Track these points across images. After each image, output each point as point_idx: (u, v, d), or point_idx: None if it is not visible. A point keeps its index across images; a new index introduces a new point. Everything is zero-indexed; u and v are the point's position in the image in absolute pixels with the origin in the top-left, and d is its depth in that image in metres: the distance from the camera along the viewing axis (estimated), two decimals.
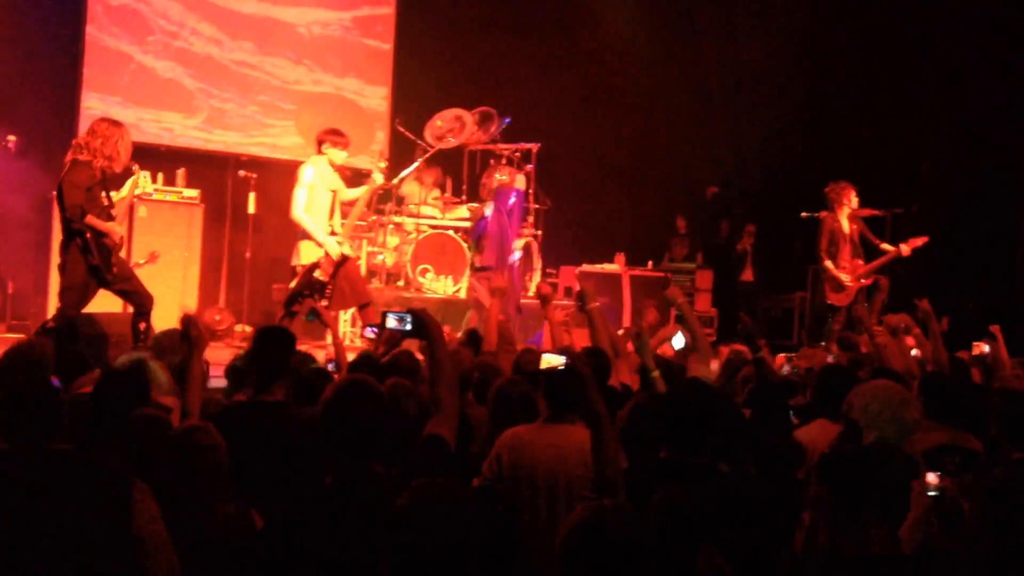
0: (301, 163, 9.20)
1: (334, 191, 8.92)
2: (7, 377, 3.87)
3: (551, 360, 3.64)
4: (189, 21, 12.52)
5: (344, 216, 9.06)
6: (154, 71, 12.29)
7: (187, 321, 4.58)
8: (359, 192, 9.06)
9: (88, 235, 7.55)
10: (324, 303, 8.71)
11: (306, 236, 8.84)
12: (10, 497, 3.18)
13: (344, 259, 8.89)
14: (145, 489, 3.26)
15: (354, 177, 9.18)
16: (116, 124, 7.84)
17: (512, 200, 11.22)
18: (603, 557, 2.58)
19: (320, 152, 8.94)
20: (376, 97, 13.58)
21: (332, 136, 8.94)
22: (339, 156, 8.94)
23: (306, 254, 8.83)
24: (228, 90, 12.69)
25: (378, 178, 8.96)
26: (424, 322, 3.81)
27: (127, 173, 8.02)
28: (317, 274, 8.77)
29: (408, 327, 3.77)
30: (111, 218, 7.75)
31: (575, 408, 4.15)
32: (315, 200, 8.81)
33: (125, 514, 3.18)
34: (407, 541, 2.54)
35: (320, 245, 8.78)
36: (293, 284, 8.85)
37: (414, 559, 2.52)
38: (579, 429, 4.12)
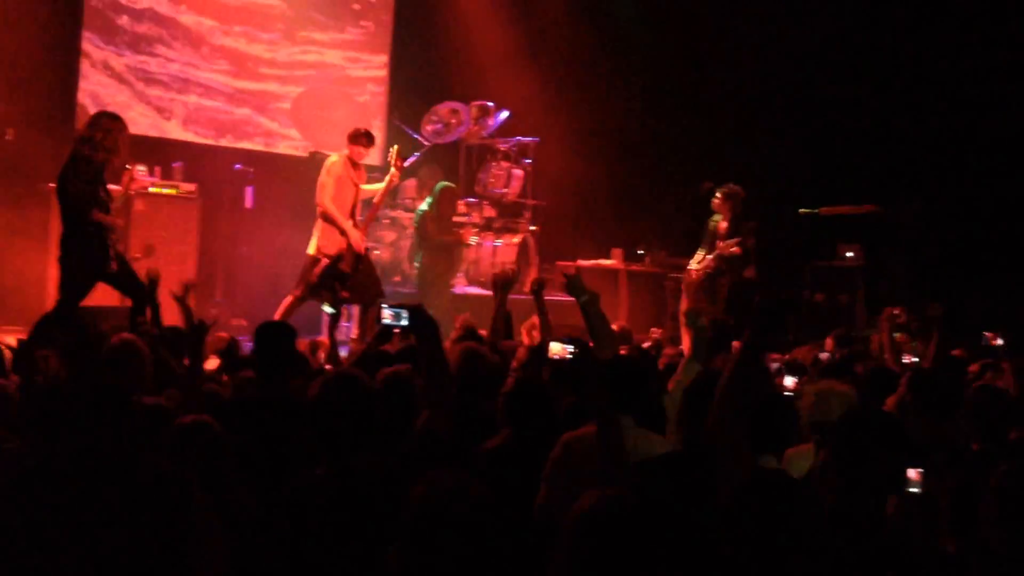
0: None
1: (357, 186, 9.19)
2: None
3: (558, 348, 3.62)
4: (187, 17, 12.51)
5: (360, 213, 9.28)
6: (151, 65, 12.28)
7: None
8: (378, 187, 9.30)
9: (90, 228, 7.59)
10: (345, 294, 8.88)
11: (327, 223, 9.02)
12: (74, 497, 3.11)
13: (366, 252, 9.12)
14: (199, 493, 3.23)
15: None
16: (116, 118, 7.92)
17: None
18: (608, 543, 2.60)
19: (349, 146, 9.22)
20: (373, 91, 13.57)
21: (362, 136, 9.26)
22: (361, 154, 9.29)
23: (326, 243, 9.00)
24: (226, 84, 12.68)
25: (395, 175, 9.19)
26: (420, 317, 3.82)
27: (124, 168, 8.05)
28: (341, 265, 8.91)
29: (404, 322, 3.79)
30: (109, 211, 7.79)
31: (628, 410, 4.16)
32: (341, 192, 9.06)
33: (184, 517, 3.14)
34: (423, 530, 2.58)
35: (344, 235, 8.97)
36: (313, 278, 8.92)
37: (430, 548, 2.56)
38: (633, 429, 4.14)
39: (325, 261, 8.91)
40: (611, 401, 3.99)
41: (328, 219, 9.01)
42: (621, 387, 4.20)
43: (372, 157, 13.11)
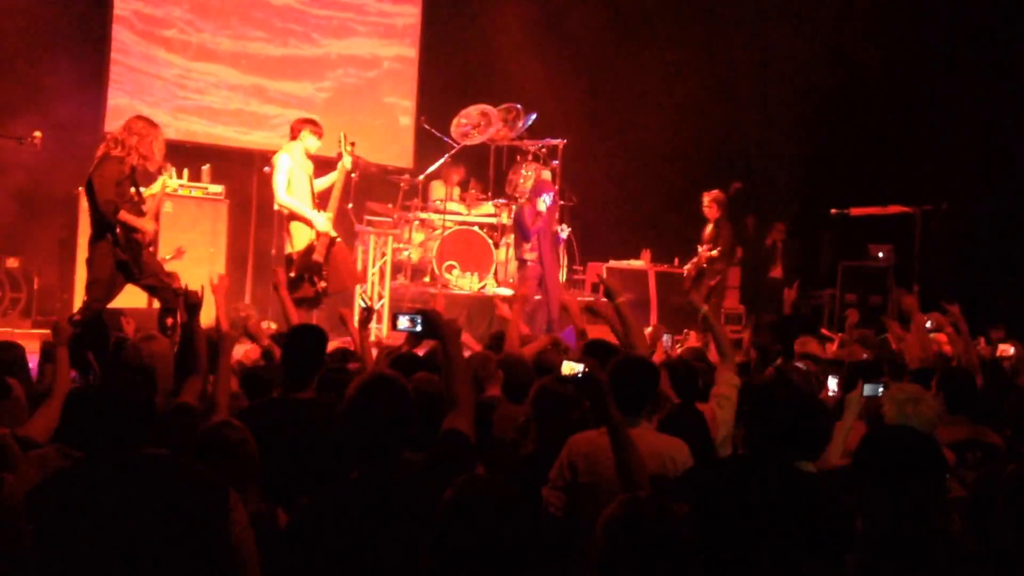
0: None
1: (310, 176, 8.90)
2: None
3: (570, 367, 3.62)
4: (214, 21, 12.56)
5: (321, 207, 8.97)
6: (179, 70, 12.35)
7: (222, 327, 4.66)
8: (330, 179, 8.99)
9: (118, 230, 7.61)
10: (323, 285, 8.74)
11: (293, 220, 8.79)
12: (105, 505, 3.07)
13: (333, 240, 8.85)
14: (237, 497, 3.22)
15: (318, 167, 9.15)
16: (152, 124, 7.92)
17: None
18: (638, 547, 2.64)
19: (295, 139, 8.87)
20: (401, 94, 13.57)
21: (309, 124, 8.92)
22: (314, 144, 8.91)
23: (298, 239, 8.77)
24: (253, 88, 12.72)
25: (347, 161, 8.94)
26: (435, 322, 3.82)
27: (157, 171, 8.06)
28: (313, 256, 8.75)
29: (419, 328, 3.79)
30: (141, 213, 7.79)
31: (642, 411, 4.20)
32: (295, 185, 8.76)
33: (224, 523, 3.13)
34: (455, 534, 2.59)
35: (309, 223, 8.73)
36: (292, 272, 8.77)
37: (462, 552, 2.58)
38: (650, 432, 4.20)
39: (297, 256, 8.76)
40: (627, 405, 3.98)
41: (291, 213, 8.76)
42: (638, 390, 4.18)
43: (404, 159, 13.18)
